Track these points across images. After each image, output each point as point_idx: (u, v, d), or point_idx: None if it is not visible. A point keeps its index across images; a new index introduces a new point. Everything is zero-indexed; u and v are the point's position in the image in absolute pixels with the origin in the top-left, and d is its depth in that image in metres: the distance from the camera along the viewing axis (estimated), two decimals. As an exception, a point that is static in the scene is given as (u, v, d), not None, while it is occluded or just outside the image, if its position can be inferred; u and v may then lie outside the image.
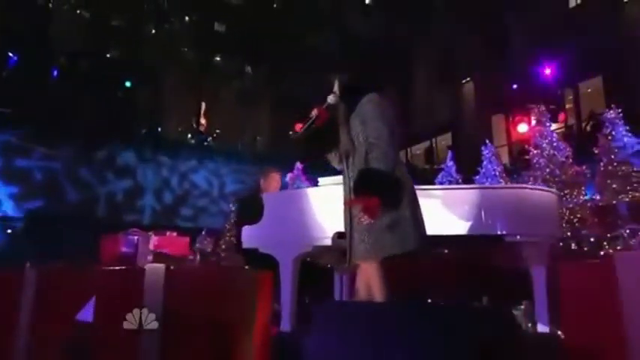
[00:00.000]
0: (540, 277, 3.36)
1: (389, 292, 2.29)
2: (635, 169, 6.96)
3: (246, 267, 3.80)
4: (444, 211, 3.15)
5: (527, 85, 12.90)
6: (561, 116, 12.54)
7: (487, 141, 8.91)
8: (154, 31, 15.75)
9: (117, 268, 2.19)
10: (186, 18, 16.96)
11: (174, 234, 6.58)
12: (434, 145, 15.86)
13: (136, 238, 6.16)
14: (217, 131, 14.83)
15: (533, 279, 3.38)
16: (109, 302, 1.87)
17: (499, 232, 3.14)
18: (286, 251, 3.15)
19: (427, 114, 15.23)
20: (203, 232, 8.16)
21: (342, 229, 3.00)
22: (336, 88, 2.58)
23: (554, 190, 3.55)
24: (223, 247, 7.86)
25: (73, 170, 10.13)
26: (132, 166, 10.30)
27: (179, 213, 10.13)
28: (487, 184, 7.12)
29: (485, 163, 8.42)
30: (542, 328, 3.28)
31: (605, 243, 4.54)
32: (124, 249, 6.08)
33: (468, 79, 15.39)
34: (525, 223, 3.18)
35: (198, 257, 6.38)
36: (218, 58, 16.92)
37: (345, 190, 2.56)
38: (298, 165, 8.50)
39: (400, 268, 2.62)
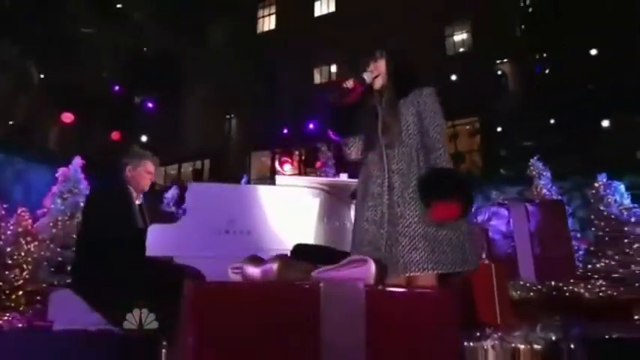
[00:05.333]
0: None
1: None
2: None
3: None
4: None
5: (296, 133, 14.16)
6: (318, 164, 14.26)
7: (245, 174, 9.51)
8: None
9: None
10: None
11: None
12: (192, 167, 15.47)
13: None
14: None
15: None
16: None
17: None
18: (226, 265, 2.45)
19: (197, 136, 14.85)
20: None
21: (304, 240, 2.57)
22: (372, 67, 2.32)
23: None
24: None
25: None
26: None
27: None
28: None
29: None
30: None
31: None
32: None
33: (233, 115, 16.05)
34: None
35: None
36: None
37: (377, 185, 2.21)
38: (77, 160, 6.85)
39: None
